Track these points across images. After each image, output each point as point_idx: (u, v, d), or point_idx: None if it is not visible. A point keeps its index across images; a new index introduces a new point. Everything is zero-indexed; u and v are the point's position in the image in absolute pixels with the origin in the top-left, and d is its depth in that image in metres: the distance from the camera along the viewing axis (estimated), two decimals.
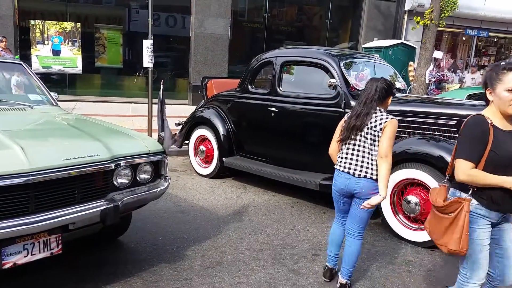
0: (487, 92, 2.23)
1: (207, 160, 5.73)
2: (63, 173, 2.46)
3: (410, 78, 10.44)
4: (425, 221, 2.47)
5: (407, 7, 13.29)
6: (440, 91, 10.24)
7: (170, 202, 4.59)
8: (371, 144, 2.75)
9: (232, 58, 12.03)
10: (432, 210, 2.36)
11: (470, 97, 6.45)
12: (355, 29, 13.87)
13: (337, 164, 2.92)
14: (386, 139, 2.70)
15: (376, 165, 2.74)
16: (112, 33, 11.67)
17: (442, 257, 3.61)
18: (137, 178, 2.91)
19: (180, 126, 6.24)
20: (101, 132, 3.04)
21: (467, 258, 2.27)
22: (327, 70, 4.57)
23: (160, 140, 3.11)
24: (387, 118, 2.73)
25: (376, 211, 3.59)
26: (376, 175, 2.74)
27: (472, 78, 10.47)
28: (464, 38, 15.52)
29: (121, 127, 3.42)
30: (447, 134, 3.92)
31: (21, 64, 4.01)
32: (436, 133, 3.98)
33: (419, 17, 10.76)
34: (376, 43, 11.93)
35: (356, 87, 4.49)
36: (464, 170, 2.13)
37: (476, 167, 2.12)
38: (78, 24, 10.81)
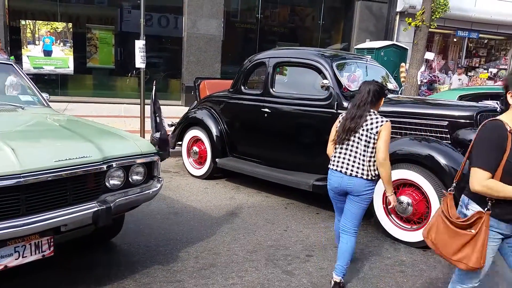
0: (508, 95, 2.06)
1: (200, 161, 5.71)
2: (54, 175, 2.44)
3: (402, 79, 10.51)
4: (426, 232, 2.29)
5: (398, 9, 13.38)
6: (432, 92, 10.32)
7: (163, 204, 4.57)
8: (365, 146, 2.86)
9: (225, 58, 12.01)
10: (444, 223, 2.17)
11: (461, 98, 6.50)
12: (347, 30, 13.93)
13: (330, 164, 3.02)
14: (383, 143, 2.81)
15: (368, 165, 2.86)
16: (104, 33, 11.60)
17: (435, 257, 3.63)
18: (130, 179, 2.89)
19: (173, 127, 6.21)
20: (93, 133, 3.02)
21: None
22: (319, 71, 4.59)
23: (153, 141, 3.10)
24: (382, 121, 2.85)
25: (369, 211, 3.62)
26: (368, 174, 2.87)
27: (459, 79, 10.55)
28: (455, 40, 15.65)
29: (113, 128, 3.40)
30: (438, 135, 3.95)
31: (11, 64, 3.97)
32: (428, 133, 4.01)
33: (410, 19, 10.85)
34: (368, 44, 11.99)
35: (349, 88, 4.51)
36: (480, 180, 1.99)
37: (493, 177, 1.98)
38: (70, 24, 10.72)
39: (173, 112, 8.78)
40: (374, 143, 2.84)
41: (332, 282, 3.00)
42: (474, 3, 14.60)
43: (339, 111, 4.37)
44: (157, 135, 3.17)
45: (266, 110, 4.94)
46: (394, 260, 3.55)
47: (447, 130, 3.94)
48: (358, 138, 2.87)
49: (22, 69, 4.16)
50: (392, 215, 3.96)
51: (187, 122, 5.91)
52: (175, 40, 12.04)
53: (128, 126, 8.13)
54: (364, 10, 13.30)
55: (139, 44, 6.59)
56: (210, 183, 5.50)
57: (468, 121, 3.90)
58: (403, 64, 10.95)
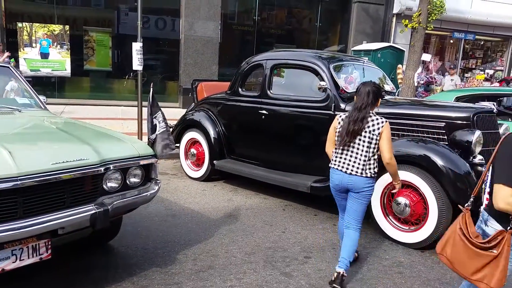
0: None
1: (198, 163, 5.71)
2: (52, 177, 2.43)
3: (399, 81, 10.53)
4: (440, 248, 2.20)
5: (395, 10, 13.42)
6: (429, 94, 10.34)
7: (161, 206, 4.56)
8: (367, 147, 2.98)
9: (222, 61, 12.02)
10: (463, 242, 2.09)
11: (458, 99, 6.52)
12: (344, 32, 13.97)
13: (331, 163, 3.14)
14: (387, 143, 2.95)
15: (368, 163, 2.99)
16: (101, 35, 11.60)
17: (433, 258, 3.64)
18: (127, 182, 2.89)
19: (171, 129, 6.20)
20: (90, 136, 3.01)
21: None
22: (317, 73, 4.60)
23: (150, 143, 3.09)
24: (382, 122, 2.97)
25: (367, 213, 3.63)
26: (367, 172, 2.99)
27: (451, 80, 10.57)
28: (451, 41, 15.71)
29: (110, 130, 3.39)
30: (435, 136, 3.96)
31: (8, 67, 3.96)
32: (425, 135, 4.02)
33: (407, 20, 10.88)
34: (365, 46, 12.03)
35: (346, 90, 4.52)
36: (505, 197, 1.90)
37: None
38: (67, 27, 10.71)
39: (170, 114, 8.75)
40: (376, 144, 2.96)
41: (335, 273, 3.04)
42: (470, 4, 14.67)
43: (336, 112, 4.37)
44: (154, 136, 3.17)
45: (264, 112, 4.95)
46: (392, 261, 3.55)
47: (444, 131, 3.95)
48: (361, 139, 2.98)
49: (19, 71, 4.16)
50: (390, 216, 3.97)
51: (184, 124, 5.90)
52: (172, 42, 12.05)
53: (126, 128, 8.12)
54: (361, 12, 13.34)
55: (136, 46, 6.58)
56: (208, 185, 5.50)
57: (465, 122, 3.91)
58: (400, 65, 10.98)
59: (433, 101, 5.01)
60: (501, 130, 4.27)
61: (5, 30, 10.48)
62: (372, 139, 2.96)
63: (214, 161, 5.38)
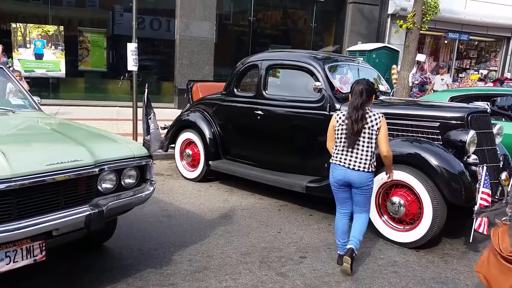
0: None
1: (194, 164, 5.70)
2: (46, 179, 2.42)
3: (393, 81, 10.57)
4: (478, 266, 2.11)
5: (390, 11, 13.46)
6: (423, 94, 10.38)
7: (156, 207, 4.55)
8: (368, 142, 3.15)
9: (218, 61, 12.00)
10: (497, 259, 2.03)
11: (452, 99, 6.56)
12: (339, 33, 14.00)
13: (333, 159, 3.28)
14: (384, 137, 3.15)
15: (370, 158, 3.15)
16: (96, 36, 11.55)
17: (427, 258, 3.66)
18: (122, 182, 2.88)
19: (166, 130, 6.20)
20: (85, 137, 3.01)
21: None
22: (312, 74, 4.61)
23: (146, 144, 3.09)
24: (379, 117, 3.15)
25: None
26: (369, 167, 3.16)
27: (442, 79, 10.61)
28: (446, 41, 15.79)
29: (105, 131, 3.38)
30: (430, 136, 3.98)
31: (1, 68, 3.94)
32: (420, 135, 4.03)
33: (401, 21, 10.93)
34: (360, 46, 12.06)
35: (341, 90, 4.53)
36: None
37: None
38: (61, 27, 10.66)
39: (166, 115, 8.75)
40: (375, 138, 3.15)
41: (347, 247, 3.26)
42: (464, 5, 14.75)
43: (331, 113, 4.38)
44: (149, 137, 3.16)
45: (259, 112, 4.95)
46: (387, 261, 3.56)
47: (438, 131, 3.97)
48: (362, 136, 3.13)
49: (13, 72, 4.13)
50: (385, 216, 3.98)
51: (180, 125, 5.89)
52: (167, 42, 12.02)
53: (121, 129, 8.10)
54: (356, 12, 13.38)
55: (131, 47, 6.57)
56: (204, 186, 5.49)
57: (459, 122, 3.94)
58: (394, 66, 11.02)
59: (428, 101, 5.03)
60: (495, 130, 4.29)
61: None
62: (372, 134, 3.13)
63: (210, 162, 5.38)
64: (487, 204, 3.55)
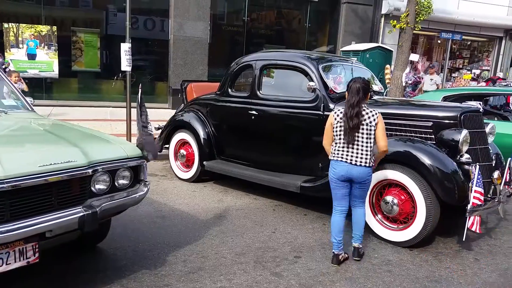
0: None
1: (188, 164, 5.69)
2: (39, 180, 2.41)
3: (387, 81, 10.61)
4: None
5: (383, 11, 13.51)
6: (416, 93, 10.43)
7: (151, 208, 4.54)
8: (367, 138, 3.27)
9: (212, 61, 11.99)
10: None
11: (445, 98, 6.60)
12: (333, 33, 14.03)
13: (334, 155, 3.38)
14: (382, 132, 3.30)
15: (370, 153, 3.28)
16: (90, 36, 11.49)
17: (421, 256, 3.68)
18: (116, 183, 2.87)
19: (160, 130, 6.18)
20: (78, 138, 2.99)
21: None
22: (306, 74, 4.61)
23: (140, 145, 3.08)
24: (376, 113, 3.30)
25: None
26: (369, 162, 3.29)
27: (431, 79, 10.67)
28: (439, 41, 15.88)
29: (98, 132, 3.37)
30: (423, 136, 4.01)
31: None
32: (413, 134, 4.06)
33: (395, 21, 10.97)
34: (354, 46, 12.09)
35: (335, 90, 4.54)
36: None
37: None
38: (54, 28, 10.60)
39: (160, 115, 8.73)
40: (374, 134, 3.28)
41: (353, 247, 3.52)
42: (457, 5, 14.85)
43: (325, 112, 4.40)
44: (143, 139, 3.15)
45: (253, 112, 4.95)
46: (381, 260, 3.58)
47: (431, 130, 4.00)
48: (361, 132, 3.26)
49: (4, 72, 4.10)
50: (379, 215, 4.00)
51: (174, 125, 5.88)
52: (161, 42, 11.98)
53: (114, 129, 8.07)
54: (350, 13, 13.42)
55: (125, 47, 6.54)
56: (198, 186, 5.48)
57: (452, 121, 3.96)
58: (388, 66, 11.06)
59: (421, 101, 5.06)
60: (487, 129, 4.33)
61: None
62: (370, 130, 3.27)
63: (204, 162, 5.37)
64: (479, 203, 3.58)
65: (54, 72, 10.52)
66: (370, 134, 3.27)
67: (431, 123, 4.01)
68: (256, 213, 4.59)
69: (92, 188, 2.73)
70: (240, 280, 3.12)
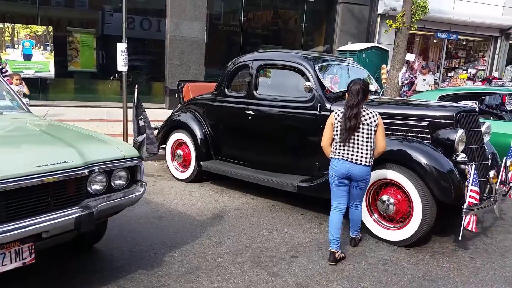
0: None
1: (185, 164, 5.68)
2: (35, 181, 2.40)
3: (383, 81, 10.64)
4: None
5: (379, 11, 13.55)
6: (412, 93, 10.48)
7: (147, 208, 4.53)
8: (368, 138, 3.37)
9: (209, 61, 11.97)
10: None
11: (441, 98, 6.62)
12: (329, 33, 14.05)
13: (335, 154, 3.47)
14: (382, 134, 3.43)
15: (370, 153, 3.38)
16: (86, 36, 11.45)
17: (417, 256, 3.69)
18: (112, 184, 2.86)
19: (157, 131, 6.17)
20: (74, 138, 2.98)
21: None
22: (302, 74, 4.62)
23: (136, 145, 3.07)
24: (376, 114, 3.41)
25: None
26: (369, 161, 3.39)
27: (424, 80, 10.71)
28: (435, 41, 15.93)
29: (95, 132, 3.36)
30: (419, 135, 4.02)
31: None
32: (409, 134, 4.07)
33: (391, 21, 11.00)
34: (350, 46, 12.12)
35: (331, 90, 4.55)
36: None
37: None
38: (50, 28, 10.56)
39: (156, 115, 8.72)
40: (374, 135, 3.38)
41: (350, 237, 3.80)
42: (453, 5, 14.90)
43: (322, 112, 4.41)
44: (140, 138, 3.14)
45: (250, 112, 4.95)
46: (377, 259, 3.59)
47: (427, 130, 4.01)
48: (361, 132, 3.35)
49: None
50: (375, 214, 4.01)
51: (170, 125, 5.87)
52: (158, 42, 11.96)
53: (111, 130, 8.04)
54: (346, 12, 13.44)
55: (121, 47, 6.53)
56: (195, 186, 5.48)
57: (448, 121, 3.98)
58: (384, 65, 11.10)
59: (417, 101, 5.07)
60: (483, 129, 4.35)
61: None
62: (371, 131, 3.36)
63: (201, 162, 5.37)
64: (475, 202, 3.59)
65: (50, 72, 10.49)
66: (371, 134, 3.37)
67: (427, 122, 4.03)
68: (253, 213, 4.59)
69: (89, 189, 2.73)
70: (237, 280, 3.12)
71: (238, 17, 12.97)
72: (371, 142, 3.38)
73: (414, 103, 4.69)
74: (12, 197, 2.33)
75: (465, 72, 16.03)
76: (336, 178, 3.47)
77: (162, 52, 11.77)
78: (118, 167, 2.86)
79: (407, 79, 10.84)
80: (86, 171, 2.64)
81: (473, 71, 16.27)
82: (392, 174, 3.82)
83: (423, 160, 3.66)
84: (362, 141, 3.37)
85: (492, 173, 4.02)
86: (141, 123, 3.31)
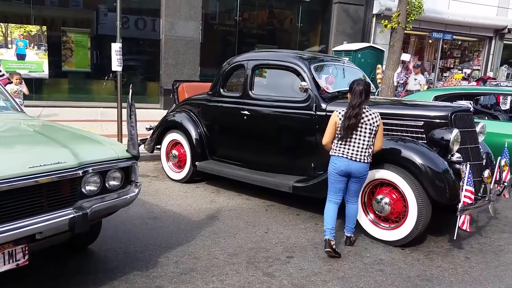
0: None
1: (180, 165, 5.67)
2: (28, 181, 2.38)
3: (378, 81, 10.67)
4: None
5: (375, 11, 13.58)
6: (406, 93, 10.51)
7: (142, 209, 4.51)
8: (369, 137, 3.49)
9: (204, 61, 11.95)
10: None
11: (436, 98, 6.65)
12: (325, 33, 14.07)
13: (335, 151, 3.58)
14: (381, 135, 3.57)
15: (369, 151, 3.51)
16: (80, 36, 11.40)
17: (413, 256, 3.70)
18: (106, 185, 2.85)
19: (151, 131, 6.15)
20: (68, 138, 2.96)
21: None
22: (298, 74, 4.62)
23: (130, 145, 3.05)
24: (377, 115, 3.54)
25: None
26: (368, 159, 3.52)
27: (415, 79, 10.75)
28: (430, 41, 15.99)
29: (89, 132, 3.34)
30: (414, 135, 4.03)
31: None
32: (404, 134, 4.08)
33: (386, 21, 11.03)
34: (346, 46, 12.14)
35: (327, 90, 4.55)
36: None
37: None
38: (44, 28, 10.50)
39: (151, 115, 8.69)
40: (374, 134, 3.50)
41: (345, 237, 3.81)
42: (448, 5, 14.97)
43: (317, 112, 4.41)
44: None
45: (246, 112, 4.94)
46: (373, 259, 3.59)
47: (422, 130, 4.02)
48: (360, 130, 3.46)
49: None
50: (371, 214, 4.01)
51: (165, 126, 5.85)
52: (152, 42, 11.93)
53: (105, 130, 8.01)
54: (341, 12, 13.46)
55: (116, 47, 6.50)
56: (190, 187, 5.46)
57: (443, 121, 3.99)
58: (379, 65, 11.12)
59: (412, 101, 5.09)
60: (478, 129, 4.36)
61: None
62: (372, 130, 3.49)
63: (196, 163, 5.35)
64: (470, 201, 3.60)
65: (44, 72, 10.43)
66: (372, 134, 3.49)
67: (422, 122, 4.03)
68: (248, 213, 4.58)
69: (83, 190, 2.71)
70: (232, 280, 3.11)
71: (234, 17, 12.96)
72: (371, 142, 3.51)
73: (409, 103, 4.70)
74: (6, 198, 2.31)
75: (460, 72, 16.11)
76: (336, 176, 3.58)
77: (157, 52, 11.74)
78: (113, 168, 2.85)
79: (402, 79, 10.86)
80: (80, 171, 2.62)
81: (468, 71, 16.35)
82: (387, 174, 3.83)
83: (418, 160, 3.67)
84: (364, 140, 3.48)
85: (486, 173, 4.04)
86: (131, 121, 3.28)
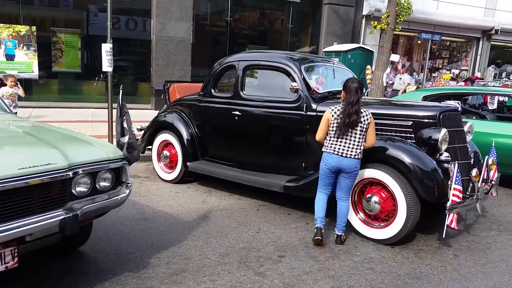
0: None
1: (171, 165, 5.66)
2: (18, 183, 2.37)
3: (368, 81, 10.75)
4: None
5: (364, 12, 13.67)
6: (392, 92, 10.61)
7: (133, 210, 4.50)
8: (360, 134, 3.60)
9: (195, 62, 11.94)
10: None
11: (425, 98, 6.72)
12: (315, 34, 14.13)
13: (327, 148, 3.69)
14: (373, 132, 3.66)
15: (360, 148, 3.61)
16: (70, 36, 11.32)
17: (403, 254, 3.74)
18: (97, 186, 2.84)
19: (142, 131, 6.13)
20: (58, 139, 2.95)
21: None
22: (288, 74, 4.64)
23: (120, 146, 3.05)
24: (368, 113, 3.64)
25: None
26: (358, 155, 3.62)
27: (400, 79, 10.86)
28: (419, 42, 16.15)
29: (79, 133, 3.33)
30: (403, 135, 4.07)
31: None
32: (393, 133, 4.12)
33: (376, 22, 11.12)
34: (336, 47, 12.21)
35: (317, 91, 4.58)
36: None
37: None
38: (34, 28, 10.40)
39: (142, 115, 8.65)
40: (365, 131, 3.61)
41: (335, 236, 3.87)
42: (436, 6, 15.13)
43: (308, 113, 4.44)
44: (124, 139, 3.12)
45: (237, 113, 4.95)
46: (363, 258, 3.63)
47: (411, 129, 4.07)
48: (356, 129, 3.57)
49: None
50: (360, 213, 4.05)
51: (157, 126, 5.84)
52: (143, 43, 11.89)
53: (96, 131, 7.97)
54: (332, 14, 13.53)
55: (106, 47, 6.47)
56: (182, 187, 5.46)
57: (431, 120, 4.04)
58: (368, 66, 11.21)
59: (401, 101, 5.14)
60: (465, 128, 4.42)
61: None
62: (363, 128, 3.59)
63: (188, 163, 5.35)
64: (458, 200, 3.66)
65: (34, 73, 10.32)
66: (363, 131, 3.60)
67: (411, 122, 4.08)
68: (240, 213, 4.59)
69: (73, 191, 2.70)
70: (224, 281, 3.12)
71: (225, 18, 12.97)
72: (362, 138, 3.62)
73: (398, 103, 4.75)
74: None
75: (449, 72, 16.29)
76: (327, 171, 3.72)
77: (148, 52, 11.70)
78: (103, 169, 2.84)
79: (391, 80, 10.96)
80: (70, 173, 2.61)
81: (456, 71, 16.54)
82: (376, 173, 3.86)
83: (407, 159, 3.71)
84: (355, 137, 3.59)
85: (474, 172, 4.09)
86: (124, 124, 3.29)
